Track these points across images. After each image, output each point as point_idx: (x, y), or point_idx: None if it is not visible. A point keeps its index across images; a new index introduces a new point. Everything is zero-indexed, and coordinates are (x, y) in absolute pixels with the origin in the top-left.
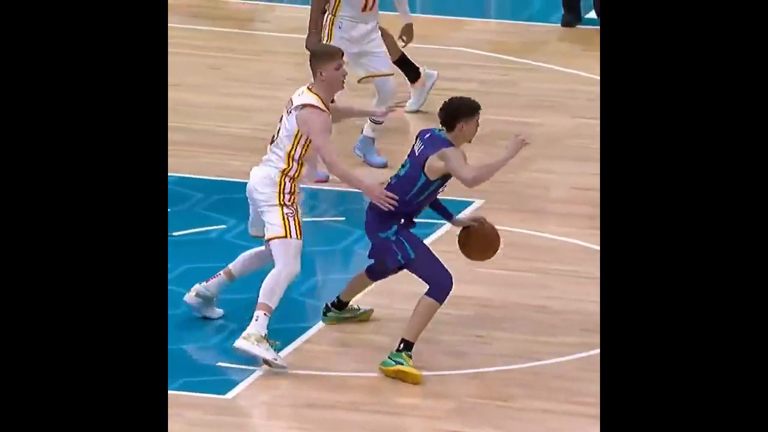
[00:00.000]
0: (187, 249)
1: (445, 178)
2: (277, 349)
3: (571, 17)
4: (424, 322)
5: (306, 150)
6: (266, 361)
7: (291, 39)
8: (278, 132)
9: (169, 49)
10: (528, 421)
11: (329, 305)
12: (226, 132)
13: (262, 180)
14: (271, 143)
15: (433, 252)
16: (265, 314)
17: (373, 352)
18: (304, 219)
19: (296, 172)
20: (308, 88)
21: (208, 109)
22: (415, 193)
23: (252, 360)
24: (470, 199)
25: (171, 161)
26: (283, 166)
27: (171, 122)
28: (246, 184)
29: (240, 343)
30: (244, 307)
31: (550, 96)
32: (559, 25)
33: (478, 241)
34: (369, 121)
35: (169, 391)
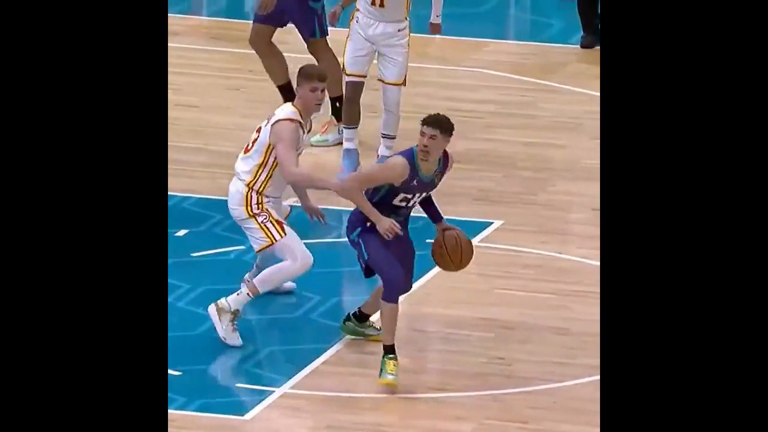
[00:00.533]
0: (206, 269)
1: (391, 187)
2: (238, 322)
3: (591, 39)
4: (391, 324)
5: (266, 183)
6: (219, 334)
7: (310, 60)
8: (252, 142)
9: (190, 71)
10: None
11: (350, 315)
12: None
13: (233, 196)
14: (245, 153)
15: (388, 251)
16: (248, 294)
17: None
18: (325, 240)
19: (262, 185)
20: (292, 102)
21: (227, 129)
22: (371, 194)
23: (271, 381)
24: (489, 220)
25: (191, 182)
26: (249, 179)
27: (191, 143)
28: None
29: (211, 308)
30: (263, 328)
31: (569, 117)
32: (578, 46)
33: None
34: (382, 138)
35: (188, 412)
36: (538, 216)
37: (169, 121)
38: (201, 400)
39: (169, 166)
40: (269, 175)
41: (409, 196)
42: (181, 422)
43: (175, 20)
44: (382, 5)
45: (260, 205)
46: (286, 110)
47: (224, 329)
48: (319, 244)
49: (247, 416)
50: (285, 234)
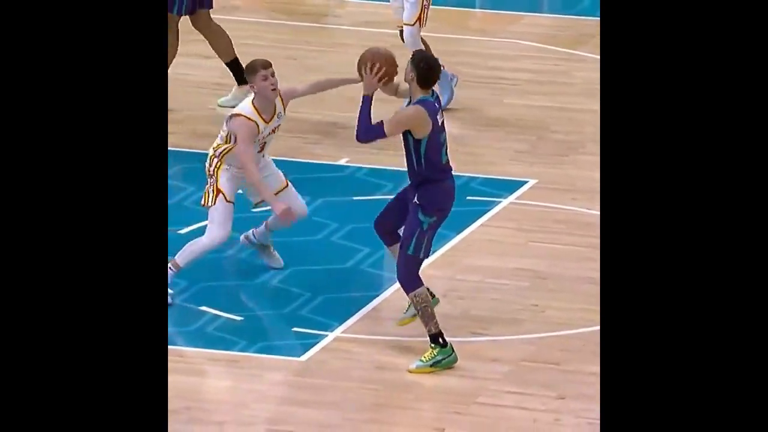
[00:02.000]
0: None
1: (406, 134)
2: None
3: None
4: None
5: (228, 151)
6: None
7: (361, 32)
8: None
9: (251, 42)
10: (579, 383)
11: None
12: (302, 118)
13: (208, 155)
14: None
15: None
16: (170, 268)
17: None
18: (375, 197)
19: (222, 154)
20: (252, 99)
21: None
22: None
23: (325, 326)
24: (525, 179)
25: None
26: (215, 145)
27: None
28: (314, 164)
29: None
30: (318, 277)
31: (598, 85)
32: None
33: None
34: None
35: (249, 354)
36: (569, 175)
37: (231, 88)
38: (261, 343)
39: None
40: (226, 150)
41: None
42: (243, 363)
43: None
44: None
45: (216, 170)
46: (244, 106)
47: None
48: (368, 201)
49: (303, 357)
50: (214, 204)
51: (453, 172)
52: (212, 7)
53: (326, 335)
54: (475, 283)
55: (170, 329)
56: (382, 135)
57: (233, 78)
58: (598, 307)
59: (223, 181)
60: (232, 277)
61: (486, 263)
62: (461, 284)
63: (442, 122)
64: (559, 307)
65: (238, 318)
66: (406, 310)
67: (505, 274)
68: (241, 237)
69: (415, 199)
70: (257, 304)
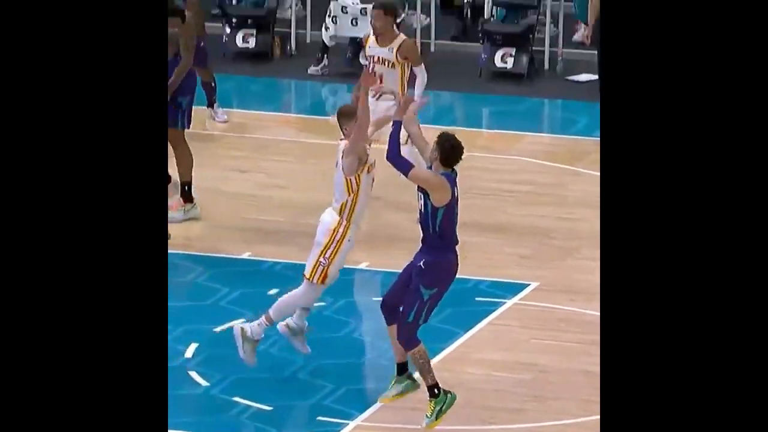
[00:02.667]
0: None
1: (424, 192)
2: (253, 349)
3: None
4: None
5: (354, 204)
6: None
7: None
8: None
9: (281, 158)
10: None
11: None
12: None
13: (323, 225)
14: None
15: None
16: (266, 323)
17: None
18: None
19: (350, 211)
20: (341, 139)
21: (313, 206)
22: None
23: (346, 415)
24: (526, 282)
25: (279, 250)
26: (339, 209)
27: (281, 218)
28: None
29: (237, 328)
30: (340, 371)
31: (593, 197)
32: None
33: None
34: None
35: None
36: (567, 278)
37: (263, 199)
38: (289, 431)
39: (261, 236)
40: (354, 203)
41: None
42: None
43: (269, 116)
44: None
45: (338, 246)
46: (342, 146)
47: (245, 353)
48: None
49: None
50: (320, 284)
51: (465, 276)
52: (187, 128)
53: (348, 423)
54: (483, 375)
55: (207, 418)
56: (405, 173)
57: (183, 195)
58: (596, 398)
59: (336, 263)
60: (262, 370)
61: (493, 357)
62: (470, 377)
63: (457, 197)
64: (560, 398)
65: (268, 408)
66: (390, 387)
67: (510, 367)
68: (280, 326)
69: (421, 263)
70: (285, 395)
